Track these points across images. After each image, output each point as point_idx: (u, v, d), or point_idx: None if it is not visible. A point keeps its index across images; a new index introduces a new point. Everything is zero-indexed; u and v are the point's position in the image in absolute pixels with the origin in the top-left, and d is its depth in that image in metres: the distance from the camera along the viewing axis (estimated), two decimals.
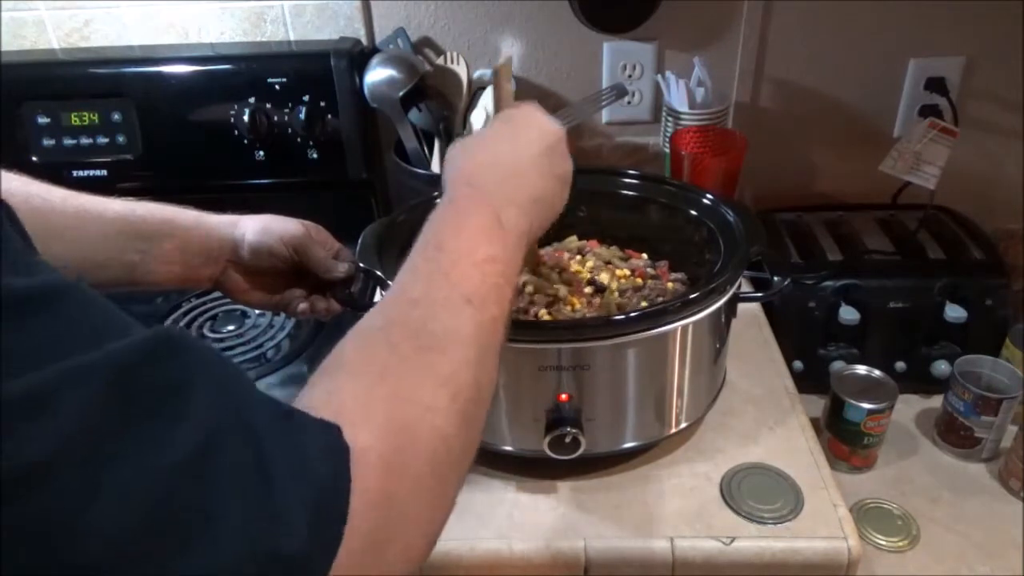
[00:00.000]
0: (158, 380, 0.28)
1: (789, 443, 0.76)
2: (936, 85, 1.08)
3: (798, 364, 0.96)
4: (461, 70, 1.04)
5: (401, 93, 1.00)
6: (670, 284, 0.79)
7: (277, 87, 1.01)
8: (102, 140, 1.04)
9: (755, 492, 0.70)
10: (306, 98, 1.01)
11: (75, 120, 1.03)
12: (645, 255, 0.85)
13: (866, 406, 0.85)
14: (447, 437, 0.38)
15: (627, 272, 0.80)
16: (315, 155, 1.05)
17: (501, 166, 0.54)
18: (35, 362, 0.25)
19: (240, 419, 0.30)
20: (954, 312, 0.93)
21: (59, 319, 0.27)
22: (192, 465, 0.27)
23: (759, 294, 0.76)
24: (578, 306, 0.74)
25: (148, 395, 0.28)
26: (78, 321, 0.28)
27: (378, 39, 1.09)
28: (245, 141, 1.03)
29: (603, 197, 0.86)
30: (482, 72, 1.08)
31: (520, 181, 0.54)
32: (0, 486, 0.23)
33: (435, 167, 1.02)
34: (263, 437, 0.30)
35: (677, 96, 1.05)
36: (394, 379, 0.38)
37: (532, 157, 0.56)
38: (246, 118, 1.00)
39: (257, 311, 0.97)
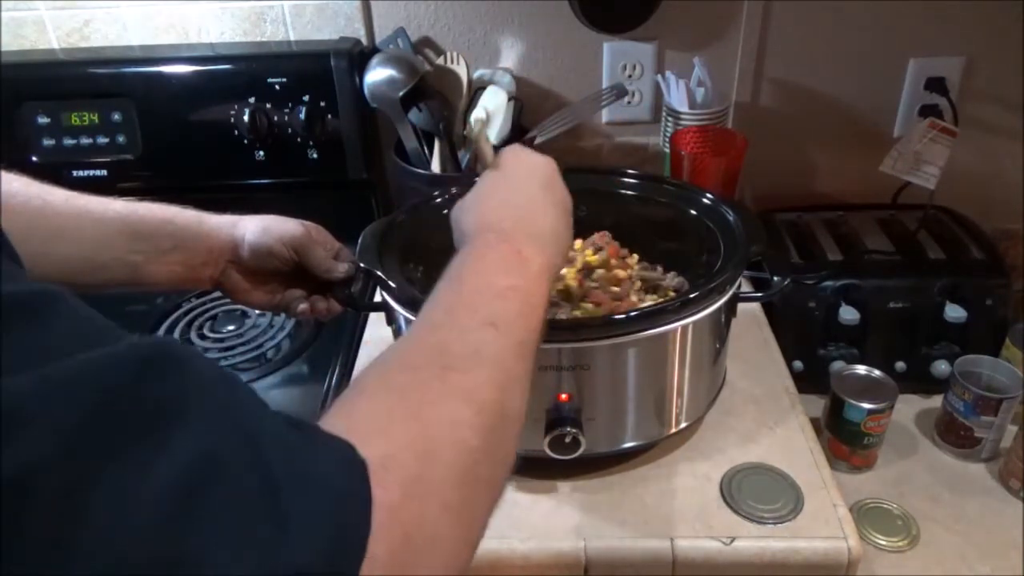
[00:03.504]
0: (149, 398, 0.26)
1: (789, 443, 0.76)
2: (936, 85, 1.08)
3: (798, 364, 0.96)
4: (461, 70, 1.04)
5: (401, 93, 1.00)
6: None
7: (277, 87, 1.01)
8: (102, 140, 1.04)
9: (755, 492, 0.70)
10: (306, 98, 1.01)
11: (75, 120, 1.03)
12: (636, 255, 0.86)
13: (866, 406, 0.85)
14: (473, 451, 0.36)
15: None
16: (315, 155, 1.05)
17: (511, 207, 0.54)
18: (14, 370, 0.23)
19: (242, 439, 0.28)
20: (954, 312, 0.93)
21: (45, 328, 0.26)
22: (189, 492, 0.25)
23: (759, 294, 0.76)
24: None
25: (137, 415, 0.25)
26: (65, 330, 0.26)
27: (378, 39, 1.09)
28: (245, 141, 1.03)
29: (603, 197, 0.86)
30: (482, 72, 1.08)
31: (533, 218, 0.54)
32: None
33: (435, 167, 1.02)
34: (269, 458, 0.28)
35: (677, 96, 1.05)
36: (414, 397, 0.36)
37: (533, 194, 0.56)
38: (246, 118, 1.00)
39: (257, 311, 0.97)
